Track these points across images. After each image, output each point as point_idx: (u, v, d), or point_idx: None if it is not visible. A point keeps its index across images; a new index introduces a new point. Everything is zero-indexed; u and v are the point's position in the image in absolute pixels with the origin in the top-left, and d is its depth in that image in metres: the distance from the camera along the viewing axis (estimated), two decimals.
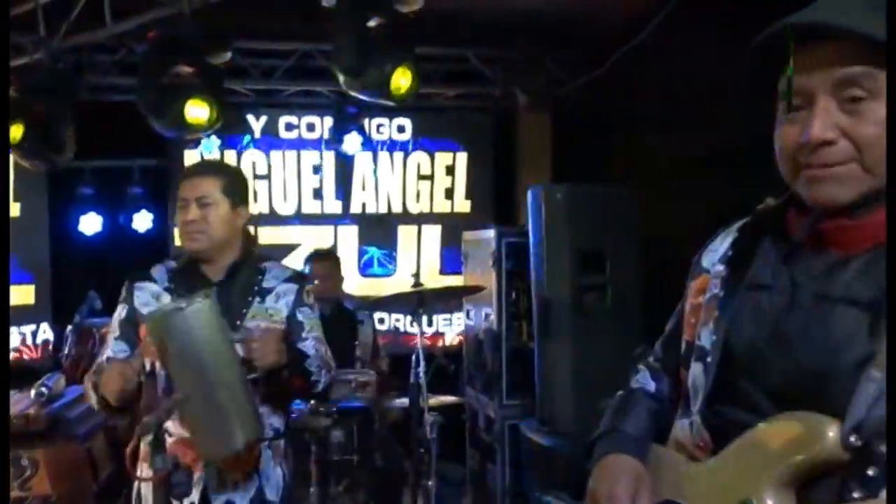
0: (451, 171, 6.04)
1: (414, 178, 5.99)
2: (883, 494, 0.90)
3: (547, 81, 5.29)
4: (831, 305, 0.99)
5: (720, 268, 1.16)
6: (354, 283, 5.73)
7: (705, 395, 1.09)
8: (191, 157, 5.56)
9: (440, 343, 5.88)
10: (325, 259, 4.22)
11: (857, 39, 0.96)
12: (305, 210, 5.86)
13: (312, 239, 5.73)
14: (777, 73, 1.03)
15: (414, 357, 3.46)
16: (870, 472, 0.92)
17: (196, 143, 5.39)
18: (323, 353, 2.26)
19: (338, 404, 3.70)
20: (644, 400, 1.29)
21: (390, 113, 5.73)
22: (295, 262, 4.51)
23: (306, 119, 5.79)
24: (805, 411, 0.96)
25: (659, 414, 1.26)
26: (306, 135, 5.80)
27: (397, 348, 5.22)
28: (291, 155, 5.81)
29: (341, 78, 3.98)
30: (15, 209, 5.33)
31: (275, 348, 2.07)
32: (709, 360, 1.10)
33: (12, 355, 5.28)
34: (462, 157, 6.04)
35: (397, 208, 5.98)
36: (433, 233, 6.04)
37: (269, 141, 5.76)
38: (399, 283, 5.65)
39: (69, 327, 5.17)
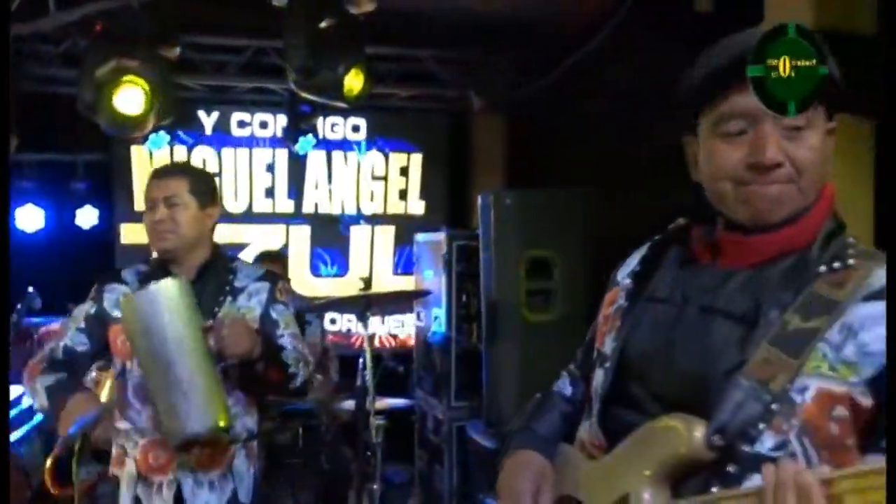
0: (405, 172, 6.02)
1: (368, 179, 5.96)
2: (739, 488, 0.99)
3: (502, 84, 5.29)
4: (713, 317, 1.09)
5: (627, 281, 1.27)
6: (306, 284, 5.68)
7: (601, 397, 1.18)
8: (138, 153, 5.45)
9: (392, 344, 5.86)
10: (273, 260, 4.17)
11: None
12: (257, 209, 5.79)
13: (264, 238, 5.67)
14: (715, 91, 1.09)
15: (361, 360, 3.44)
16: (730, 469, 1.01)
17: (144, 139, 5.27)
18: (300, 348, 2.23)
19: (282, 407, 3.66)
20: (560, 403, 1.37)
21: (345, 112, 5.67)
22: None
23: (259, 116, 5.71)
24: (681, 414, 1.04)
25: (570, 416, 1.33)
26: (259, 132, 5.73)
27: (348, 349, 5.18)
28: (243, 153, 5.73)
29: (293, 78, 3.93)
30: None
31: (245, 335, 2.02)
32: (607, 365, 1.19)
33: None
34: (417, 159, 6.02)
35: (350, 209, 5.94)
36: (387, 233, 6.02)
37: (221, 138, 5.68)
38: (351, 283, 5.61)
39: None
